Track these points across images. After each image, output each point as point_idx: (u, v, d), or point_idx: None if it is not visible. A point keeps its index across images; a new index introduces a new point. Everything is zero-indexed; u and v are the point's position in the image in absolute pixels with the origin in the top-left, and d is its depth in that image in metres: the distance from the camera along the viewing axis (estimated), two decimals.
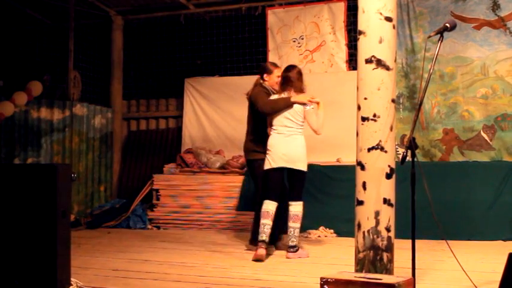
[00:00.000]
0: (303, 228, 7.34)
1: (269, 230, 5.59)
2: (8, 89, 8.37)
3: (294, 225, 5.66)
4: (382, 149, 3.98)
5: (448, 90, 7.75)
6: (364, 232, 3.97)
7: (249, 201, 7.91)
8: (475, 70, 7.64)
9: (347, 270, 3.89)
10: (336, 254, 5.91)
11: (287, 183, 5.86)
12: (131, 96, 10.04)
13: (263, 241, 5.52)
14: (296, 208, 5.69)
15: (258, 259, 5.42)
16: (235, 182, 8.21)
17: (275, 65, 6.21)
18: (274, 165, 5.64)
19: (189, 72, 9.52)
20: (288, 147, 5.63)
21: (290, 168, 5.67)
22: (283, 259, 5.61)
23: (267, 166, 5.70)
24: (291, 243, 5.63)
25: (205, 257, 5.73)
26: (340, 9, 8.47)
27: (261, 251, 5.46)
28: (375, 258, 3.94)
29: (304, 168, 5.68)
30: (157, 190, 8.60)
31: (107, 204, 9.10)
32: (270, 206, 5.64)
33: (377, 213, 3.94)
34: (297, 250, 5.63)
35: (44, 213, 3.85)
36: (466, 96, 7.66)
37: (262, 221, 5.61)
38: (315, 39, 8.65)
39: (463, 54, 7.68)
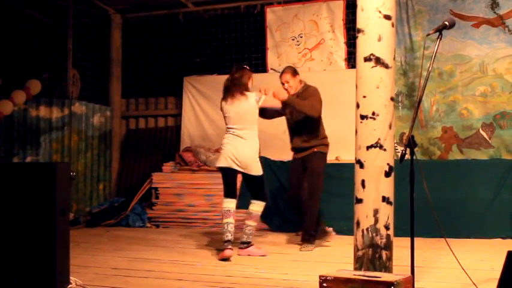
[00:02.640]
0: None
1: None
2: (7, 87, 8.36)
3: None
4: (381, 147, 3.98)
5: (447, 88, 7.75)
6: (363, 230, 3.98)
7: (248, 200, 7.91)
8: (474, 68, 7.64)
9: (346, 268, 3.89)
10: (335, 252, 5.91)
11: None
12: (130, 95, 10.03)
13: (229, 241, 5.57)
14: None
15: (224, 259, 5.41)
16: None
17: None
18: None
19: (188, 71, 9.52)
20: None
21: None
22: (282, 257, 5.62)
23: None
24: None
25: (205, 255, 5.74)
26: (339, 7, 8.47)
27: (228, 252, 5.45)
28: (373, 256, 3.94)
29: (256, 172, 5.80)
30: (156, 188, 8.60)
31: (106, 202, 9.09)
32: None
33: (376, 212, 3.94)
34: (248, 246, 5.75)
35: (43, 211, 3.85)
36: (465, 94, 7.66)
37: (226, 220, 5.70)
38: (313, 37, 8.65)
39: (462, 52, 7.68)
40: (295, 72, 6.24)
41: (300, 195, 6.18)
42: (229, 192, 5.80)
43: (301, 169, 6.19)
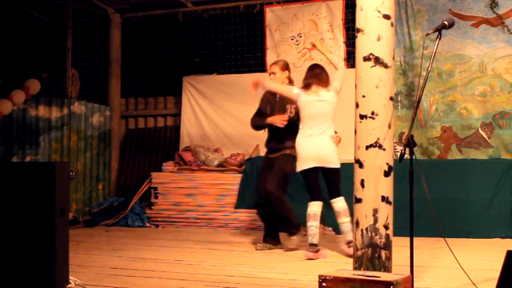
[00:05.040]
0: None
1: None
2: (6, 87, 8.37)
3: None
4: (380, 146, 3.98)
5: (446, 87, 7.75)
6: (362, 230, 3.98)
7: (247, 199, 7.92)
8: (473, 68, 7.63)
9: (345, 268, 3.89)
10: (334, 252, 5.90)
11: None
12: (129, 94, 10.03)
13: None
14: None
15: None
16: (234, 180, 8.21)
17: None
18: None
19: (187, 70, 9.51)
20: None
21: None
22: (282, 257, 5.61)
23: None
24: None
25: (203, 255, 5.74)
26: (338, 7, 8.46)
27: (315, 255, 5.48)
28: (373, 256, 3.94)
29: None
30: (155, 188, 8.60)
31: (105, 202, 9.09)
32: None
33: (375, 211, 3.94)
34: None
35: (42, 211, 3.85)
36: (464, 93, 7.66)
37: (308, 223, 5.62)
38: (313, 37, 8.63)
39: (461, 52, 7.68)
40: (284, 67, 6.18)
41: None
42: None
43: (269, 169, 6.08)
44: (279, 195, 5.92)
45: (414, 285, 3.55)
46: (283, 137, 6.03)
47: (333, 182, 5.77)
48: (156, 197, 8.58)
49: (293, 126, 5.93)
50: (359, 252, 4.00)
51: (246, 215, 7.91)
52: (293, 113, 5.99)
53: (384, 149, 3.99)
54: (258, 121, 6.24)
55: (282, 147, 6.03)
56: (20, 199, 3.92)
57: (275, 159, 6.05)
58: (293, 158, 5.87)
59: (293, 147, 5.89)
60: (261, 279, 4.53)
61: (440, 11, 7.75)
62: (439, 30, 3.84)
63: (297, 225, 5.97)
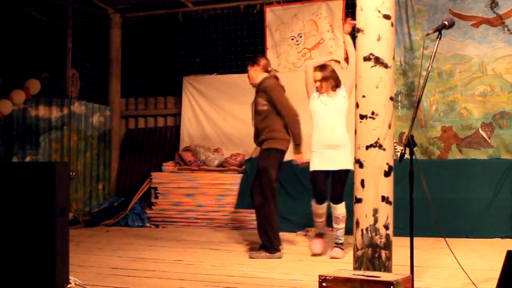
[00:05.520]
0: (302, 226, 7.37)
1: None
2: (6, 87, 8.37)
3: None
4: (380, 146, 3.98)
5: (447, 88, 7.75)
6: (362, 230, 3.98)
7: (247, 199, 7.91)
8: (473, 68, 7.64)
9: (345, 268, 3.89)
10: None
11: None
12: (129, 94, 10.03)
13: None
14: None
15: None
16: (233, 180, 8.21)
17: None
18: None
19: (188, 70, 9.52)
20: None
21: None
22: (282, 257, 5.61)
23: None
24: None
25: (204, 255, 5.74)
26: (339, 7, 8.46)
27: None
28: (373, 256, 3.94)
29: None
30: (155, 188, 8.60)
31: (106, 202, 9.09)
32: None
33: (375, 211, 3.94)
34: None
35: (42, 211, 3.85)
36: (464, 94, 7.66)
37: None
38: (313, 37, 8.65)
39: (461, 52, 7.68)
40: (255, 63, 5.86)
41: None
42: None
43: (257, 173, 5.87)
44: (264, 206, 5.62)
45: (414, 285, 3.55)
46: (258, 130, 5.76)
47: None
48: (156, 197, 8.58)
49: (267, 118, 5.70)
50: (359, 252, 4.00)
51: (246, 215, 7.90)
52: (266, 106, 5.68)
53: (384, 149, 3.99)
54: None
55: (260, 142, 5.76)
56: (20, 199, 3.92)
57: (258, 159, 5.82)
58: (273, 153, 5.65)
59: (270, 139, 5.66)
60: (261, 279, 4.53)
61: (440, 11, 7.75)
62: (439, 30, 3.84)
63: (276, 247, 5.62)
